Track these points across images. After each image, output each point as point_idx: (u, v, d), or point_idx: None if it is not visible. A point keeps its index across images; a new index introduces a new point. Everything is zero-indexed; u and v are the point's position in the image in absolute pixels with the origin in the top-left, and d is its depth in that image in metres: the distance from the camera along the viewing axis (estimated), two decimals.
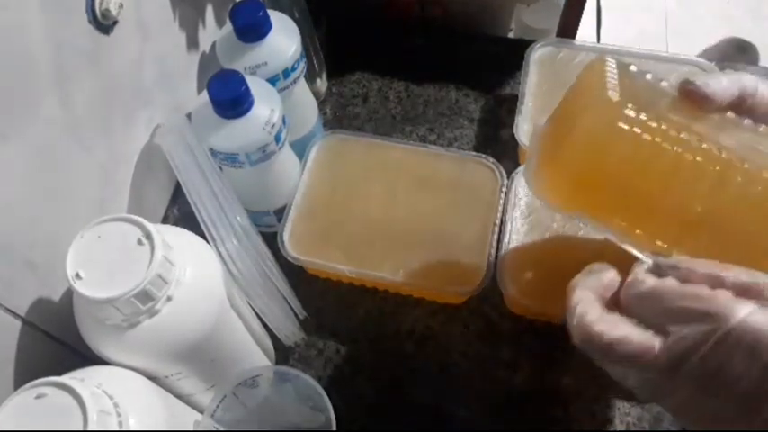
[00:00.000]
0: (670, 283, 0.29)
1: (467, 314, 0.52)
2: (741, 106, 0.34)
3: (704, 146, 0.32)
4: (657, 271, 0.31)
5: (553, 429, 0.48)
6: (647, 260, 0.32)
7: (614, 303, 0.32)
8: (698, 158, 0.32)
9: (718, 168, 0.32)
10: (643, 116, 0.33)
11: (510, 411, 0.48)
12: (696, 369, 0.27)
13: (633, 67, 0.37)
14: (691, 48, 1.52)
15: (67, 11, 0.40)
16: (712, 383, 0.26)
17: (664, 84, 0.36)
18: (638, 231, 0.35)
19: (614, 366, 0.30)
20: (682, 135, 0.32)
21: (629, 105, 0.33)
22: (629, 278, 0.31)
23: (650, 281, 0.30)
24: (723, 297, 0.27)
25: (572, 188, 0.36)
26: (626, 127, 0.32)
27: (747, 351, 0.26)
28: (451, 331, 0.51)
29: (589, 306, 0.30)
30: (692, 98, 0.34)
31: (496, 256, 0.49)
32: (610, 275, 0.32)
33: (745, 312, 0.26)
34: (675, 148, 0.32)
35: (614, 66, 0.36)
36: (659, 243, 0.34)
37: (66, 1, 0.39)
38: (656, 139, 0.32)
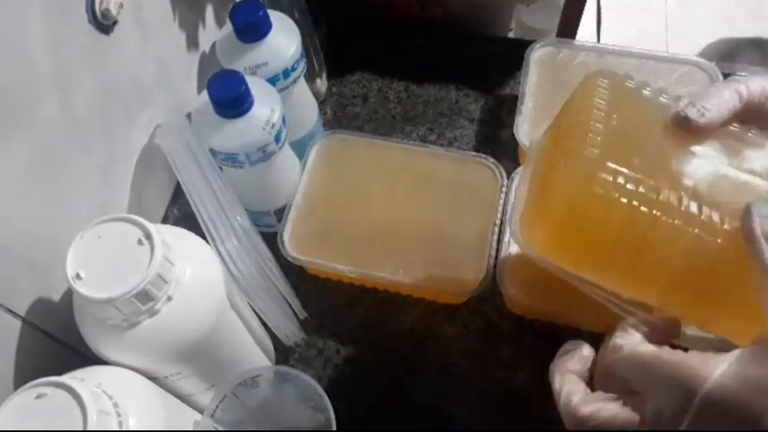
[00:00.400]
0: (643, 349, 0.30)
1: (467, 314, 0.52)
2: (749, 111, 0.33)
3: (683, 207, 0.32)
4: (635, 332, 0.31)
5: (553, 429, 0.48)
6: (629, 319, 0.32)
7: (596, 370, 0.33)
8: (676, 222, 0.31)
9: (696, 231, 0.31)
10: (621, 179, 0.32)
11: (510, 411, 0.48)
12: None
13: (630, 83, 0.36)
14: (691, 48, 1.52)
15: (67, 11, 0.40)
16: None
17: (663, 99, 0.36)
18: (620, 288, 0.35)
19: None
20: (661, 197, 0.32)
21: (609, 164, 0.32)
22: (609, 344, 0.32)
23: (626, 347, 0.30)
24: (686, 359, 0.28)
25: (555, 247, 0.36)
26: (602, 191, 0.32)
27: (719, 415, 0.26)
28: (451, 331, 0.51)
29: (573, 389, 0.31)
30: (686, 129, 0.33)
31: (496, 257, 0.49)
32: (584, 352, 0.33)
33: (713, 379, 0.26)
34: (654, 212, 0.32)
35: (606, 88, 0.36)
36: (642, 299, 0.34)
37: (67, 1, 0.39)
38: (634, 203, 0.32)
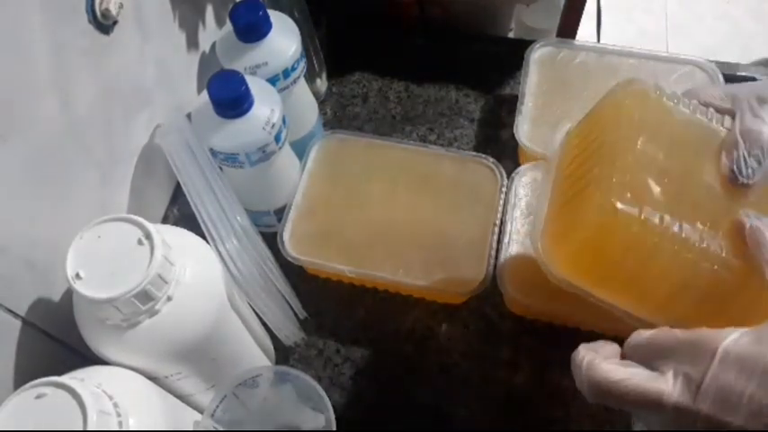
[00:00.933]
0: (663, 330, 0.30)
1: (467, 314, 0.52)
2: None
3: (704, 244, 0.32)
4: None
5: (553, 429, 0.48)
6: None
7: None
8: (697, 257, 0.32)
9: (715, 267, 0.32)
10: (647, 212, 0.32)
11: (510, 411, 0.48)
12: (708, 396, 0.27)
13: (661, 97, 0.36)
14: (691, 48, 1.52)
15: (67, 11, 0.40)
16: (725, 406, 0.27)
17: (697, 114, 0.35)
18: (634, 310, 0.35)
19: (629, 408, 0.30)
20: (684, 233, 0.32)
21: (637, 196, 0.33)
22: (629, 337, 0.32)
23: (646, 332, 0.31)
24: (707, 332, 0.28)
25: (572, 267, 0.36)
26: (628, 224, 0.32)
27: (741, 372, 0.26)
28: (451, 331, 0.51)
29: (595, 357, 0.31)
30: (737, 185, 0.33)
31: (496, 257, 0.49)
32: (610, 345, 0.33)
33: (730, 338, 0.27)
34: (675, 247, 0.32)
35: (636, 103, 0.35)
36: (654, 322, 0.34)
37: (66, 1, 0.39)
38: (657, 238, 0.32)
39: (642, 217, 0.32)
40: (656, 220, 0.32)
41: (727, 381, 0.26)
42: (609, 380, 0.29)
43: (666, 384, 0.28)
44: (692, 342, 0.28)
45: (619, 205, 0.32)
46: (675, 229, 0.32)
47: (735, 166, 0.33)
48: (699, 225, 0.33)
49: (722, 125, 0.36)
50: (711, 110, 0.36)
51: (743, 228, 0.31)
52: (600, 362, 0.30)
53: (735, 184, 0.33)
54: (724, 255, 0.32)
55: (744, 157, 0.33)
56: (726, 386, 0.26)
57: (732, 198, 0.33)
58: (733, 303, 0.32)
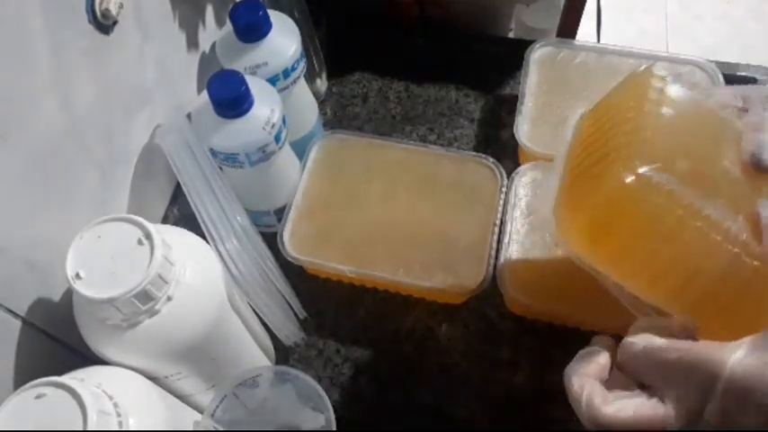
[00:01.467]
0: (658, 341, 0.30)
1: (467, 314, 0.52)
2: None
3: (725, 225, 0.31)
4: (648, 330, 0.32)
5: (553, 429, 0.48)
6: (640, 320, 0.32)
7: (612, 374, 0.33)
8: (718, 238, 0.31)
9: (736, 250, 0.31)
10: (669, 186, 0.31)
11: (510, 411, 0.48)
12: (711, 426, 0.27)
13: (682, 83, 0.35)
14: (691, 48, 1.52)
15: (67, 11, 0.40)
16: (729, 427, 0.27)
17: (717, 106, 0.35)
18: (645, 294, 0.34)
19: None
20: (706, 211, 0.31)
21: (660, 170, 0.32)
22: (623, 341, 0.32)
23: (641, 342, 0.31)
24: (703, 347, 0.28)
25: (587, 240, 0.35)
26: (650, 196, 0.31)
27: (742, 397, 0.26)
28: (451, 331, 0.51)
29: (593, 390, 0.31)
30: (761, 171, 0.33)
31: (496, 257, 0.49)
32: (603, 358, 0.33)
33: (733, 358, 0.27)
34: (698, 224, 0.31)
35: (659, 85, 0.35)
36: (664, 308, 0.34)
37: (66, 1, 0.39)
38: (680, 213, 0.31)
39: (667, 188, 0.31)
40: (680, 195, 0.31)
41: (730, 410, 0.27)
42: (613, 423, 0.29)
43: (669, 416, 0.28)
44: (692, 365, 0.28)
45: (646, 173, 0.31)
46: (698, 206, 0.31)
47: (757, 150, 0.33)
48: (721, 206, 0.32)
49: (738, 118, 0.35)
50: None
51: (761, 218, 0.31)
52: (600, 404, 0.30)
53: (758, 167, 0.33)
54: (745, 238, 0.31)
55: (766, 141, 0.33)
56: (728, 416, 0.27)
57: (753, 185, 0.33)
58: (748, 293, 0.31)
